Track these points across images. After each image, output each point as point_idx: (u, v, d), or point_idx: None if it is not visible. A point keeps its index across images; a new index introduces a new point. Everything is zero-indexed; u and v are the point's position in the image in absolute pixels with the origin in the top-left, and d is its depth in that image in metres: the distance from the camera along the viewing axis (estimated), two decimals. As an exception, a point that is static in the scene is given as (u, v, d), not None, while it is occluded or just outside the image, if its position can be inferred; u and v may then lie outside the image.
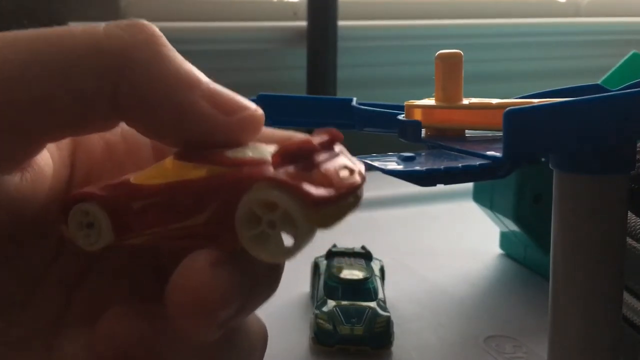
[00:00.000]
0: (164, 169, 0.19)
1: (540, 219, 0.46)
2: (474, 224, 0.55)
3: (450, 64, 0.31)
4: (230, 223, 0.17)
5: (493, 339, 0.40)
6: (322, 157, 0.18)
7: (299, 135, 0.20)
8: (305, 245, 0.17)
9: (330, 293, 0.40)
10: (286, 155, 0.17)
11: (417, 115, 0.31)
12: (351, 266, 0.42)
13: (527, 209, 0.46)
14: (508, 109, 0.25)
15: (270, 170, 0.17)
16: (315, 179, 0.17)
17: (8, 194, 0.18)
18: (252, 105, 0.19)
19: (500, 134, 0.25)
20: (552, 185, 0.28)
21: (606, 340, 0.28)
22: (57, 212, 0.20)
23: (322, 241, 0.43)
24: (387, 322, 0.38)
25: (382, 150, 0.27)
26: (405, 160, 0.25)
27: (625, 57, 0.46)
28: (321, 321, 0.38)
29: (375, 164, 0.24)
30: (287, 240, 0.17)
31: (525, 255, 0.50)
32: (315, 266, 0.44)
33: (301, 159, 0.17)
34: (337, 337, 0.37)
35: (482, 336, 0.40)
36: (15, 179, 0.18)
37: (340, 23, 0.84)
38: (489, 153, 0.25)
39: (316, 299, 0.40)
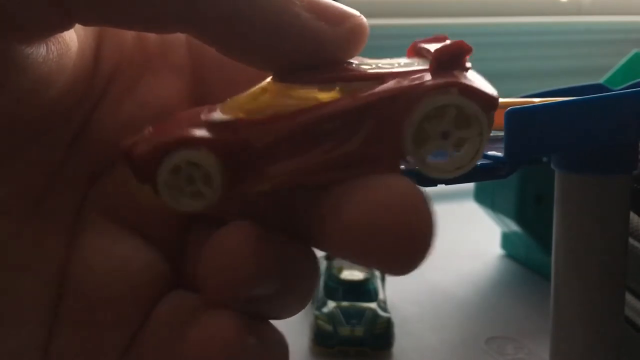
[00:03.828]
0: (269, 96, 0.16)
1: (542, 220, 0.45)
2: (475, 225, 0.55)
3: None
4: (389, 144, 0.15)
5: (494, 340, 0.40)
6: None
7: None
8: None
9: (330, 294, 0.40)
10: (445, 58, 0.15)
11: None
12: (351, 267, 0.42)
13: (528, 210, 0.46)
14: (509, 108, 0.24)
15: (436, 77, 0.15)
16: (477, 83, 0.16)
17: (35, 64, 0.15)
18: (356, 12, 0.17)
19: (502, 133, 0.25)
20: (554, 186, 0.28)
21: (608, 342, 0.28)
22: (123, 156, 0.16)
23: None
24: (388, 323, 0.38)
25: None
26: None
27: (628, 56, 0.46)
28: (321, 322, 0.38)
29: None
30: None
31: (526, 256, 0.50)
32: (316, 267, 0.44)
33: (456, 63, 0.16)
34: (337, 339, 0.37)
35: (483, 337, 0.40)
36: (42, 50, 0.15)
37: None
38: (490, 153, 0.25)
39: (316, 299, 0.40)
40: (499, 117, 0.25)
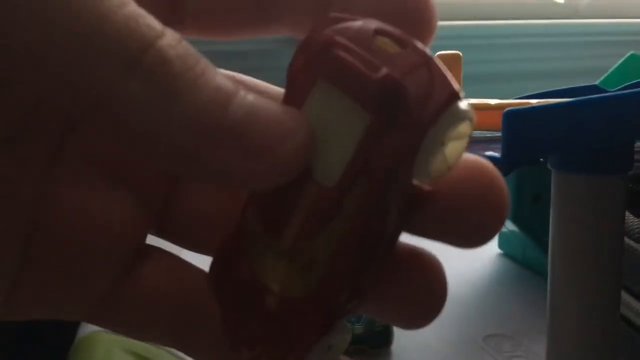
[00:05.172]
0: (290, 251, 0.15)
1: (538, 219, 0.46)
2: (473, 224, 0.55)
3: (450, 65, 0.31)
4: (408, 200, 0.15)
5: (492, 338, 0.40)
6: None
7: None
8: None
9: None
10: (386, 110, 0.14)
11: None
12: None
13: (525, 209, 0.46)
14: (507, 109, 0.25)
15: (411, 122, 0.14)
16: (418, 81, 0.14)
17: None
18: (296, 125, 0.14)
19: (499, 134, 0.25)
20: (551, 186, 0.28)
21: (604, 340, 0.28)
22: None
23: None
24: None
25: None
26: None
27: (624, 58, 0.46)
28: (321, 320, 0.38)
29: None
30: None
31: (524, 255, 0.50)
32: (315, 266, 0.44)
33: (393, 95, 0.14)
34: (336, 337, 0.37)
35: (481, 335, 0.40)
36: None
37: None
38: (488, 153, 0.25)
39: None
40: (497, 118, 0.25)
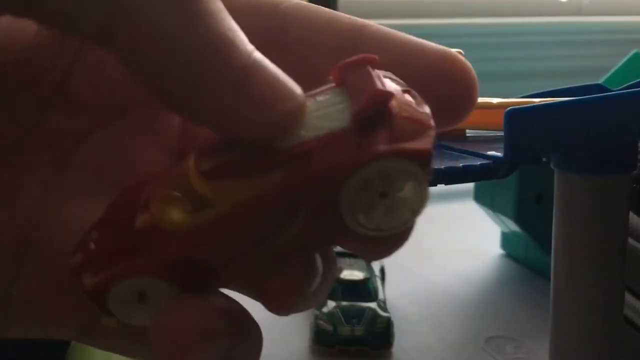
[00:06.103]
0: (197, 196, 0.15)
1: (541, 219, 0.45)
2: (475, 224, 0.55)
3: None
4: (328, 218, 0.15)
5: (494, 339, 0.40)
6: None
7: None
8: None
9: (330, 294, 0.40)
10: (365, 119, 0.14)
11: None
12: (351, 266, 0.42)
13: (528, 209, 0.46)
14: (509, 108, 0.25)
15: (369, 145, 0.14)
16: (405, 128, 0.14)
17: None
18: (295, 92, 0.15)
19: (501, 133, 0.25)
20: (554, 186, 0.28)
21: (607, 341, 0.28)
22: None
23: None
24: (388, 323, 0.38)
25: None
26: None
27: (627, 57, 0.46)
28: (321, 322, 0.38)
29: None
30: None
31: (526, 256, 0.50)
32: (316, 266, 0.44)
33: (379, 117, 0.14)
34: (337, 338, 0.37)
35: (482, 337, 0.40)
36: None
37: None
38: (490, 153, 0.25)
39: (316, 299, 0.40)
40: (499, 117, 0.25)
